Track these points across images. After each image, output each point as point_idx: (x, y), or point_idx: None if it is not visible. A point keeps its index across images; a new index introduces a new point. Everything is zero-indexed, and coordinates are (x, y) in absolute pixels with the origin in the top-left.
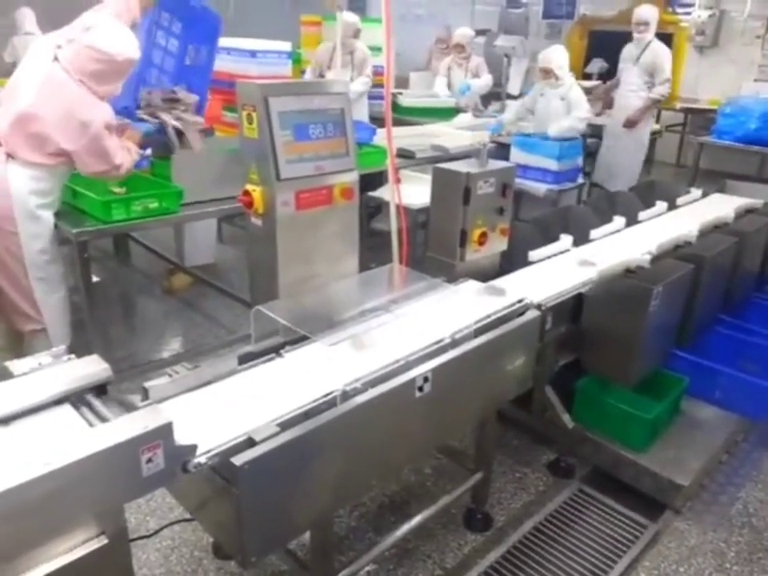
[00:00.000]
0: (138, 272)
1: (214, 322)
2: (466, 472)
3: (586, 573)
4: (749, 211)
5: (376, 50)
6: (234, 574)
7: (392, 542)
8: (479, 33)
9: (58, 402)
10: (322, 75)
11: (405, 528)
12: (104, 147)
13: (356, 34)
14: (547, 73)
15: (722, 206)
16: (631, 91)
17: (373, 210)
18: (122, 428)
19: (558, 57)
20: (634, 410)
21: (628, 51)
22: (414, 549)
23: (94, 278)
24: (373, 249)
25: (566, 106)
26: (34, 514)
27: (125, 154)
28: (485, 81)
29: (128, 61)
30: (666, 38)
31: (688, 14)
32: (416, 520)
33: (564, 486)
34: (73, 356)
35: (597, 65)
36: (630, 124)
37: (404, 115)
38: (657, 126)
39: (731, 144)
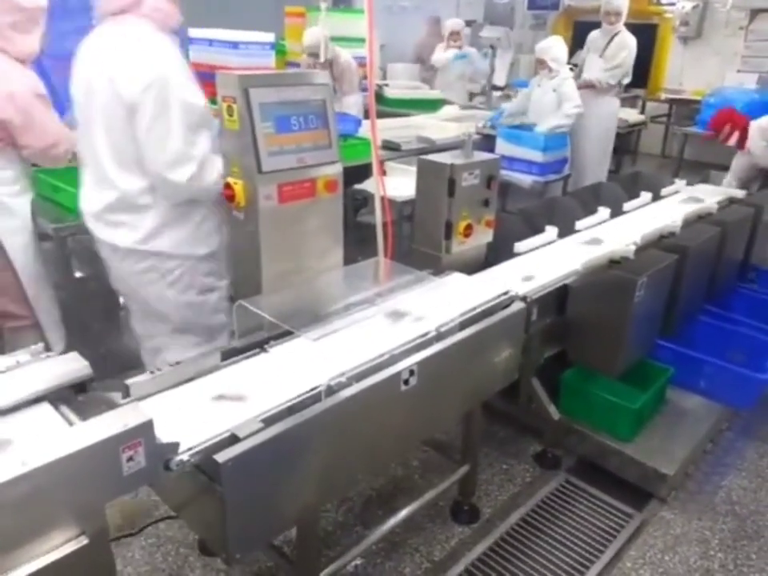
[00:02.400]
0: None
1: None
2: (452, 465)
3: (573, 563)
4: (732, 201)
5: (360, 41)
6: (221, 571)
7: (379, 536)
8: (465, 24)
9: (36, 400)
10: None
11: (392, 522)
12: (37, 120)
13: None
14: (542, 63)
15: (706, 197)
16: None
17: (359, 203)
18: (101, 426)
19: (553, 49)
20: (620, 400)
21: (593, 41)
22: (401, 542)
23: (77, 274)
24: (359, 242)
25: (557, 98)
26: (11, 515)
27: (66, 132)
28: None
29: (38, 9)
30: (650, 29)
31: (672, 4)
32: (403, 513)
33: (550, 477)
34: (52, 353)
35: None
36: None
37: (390, 107)
38: (642, 117)
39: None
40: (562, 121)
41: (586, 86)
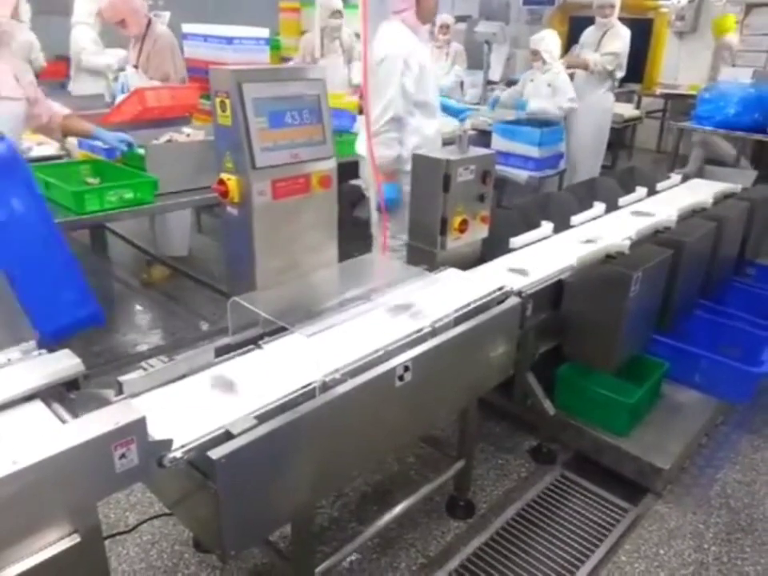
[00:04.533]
0: (116, 264)
1: (194, 314)
2: (448, 460)
3: (569, 557)
4: (727, 196)
5: (354, 36)
6: (216, 567)
7: (375, 532)
8: (460, 19)
9: (28, 398)
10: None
11: (388, 517)
12: None
13: (335, 15)
14: (535, 54)
15: (701, 191)
16: (590, 77)
17: (357, 199)
18: (93, 424)
19: (547, 41)
20: (615, 395)
21: (588, 36)
22: (397, 537)
23: None
24: (356, 238)
25: (552, 93)
26: (2, 513)
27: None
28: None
29: None
30: (645, 23)
31: None
32: (399, 509)
33: (546, 472)
34: (44, 351)
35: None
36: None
37: None
38: (637, 112)
39: (710, 129)
40: (554, 111)
41: (580, 66)
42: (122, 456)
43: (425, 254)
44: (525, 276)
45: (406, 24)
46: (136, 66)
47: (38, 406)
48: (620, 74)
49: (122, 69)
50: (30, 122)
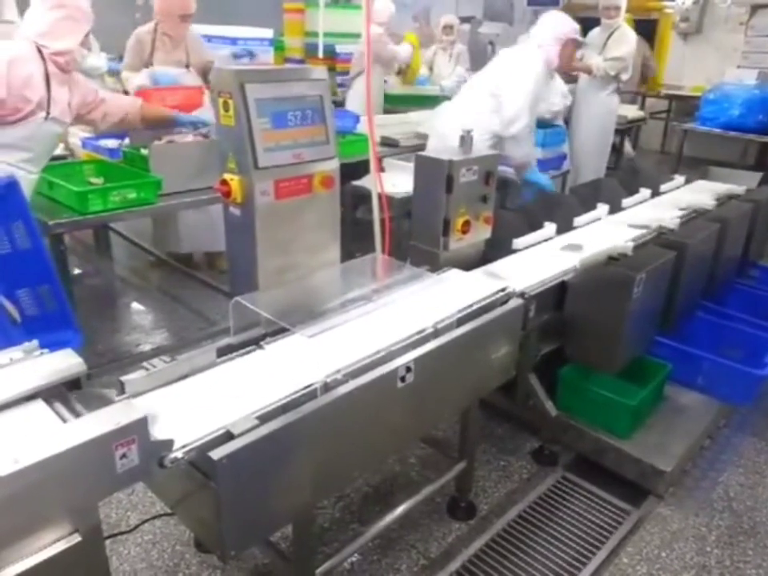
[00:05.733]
0: (120, 264)
1: (197, 314)
2: (450, 461)
3: (570, 559)
4: (731, 198)
5: (356, 36)
6: (217, 568)
7: (376, 533)
8: (464, 20)
9: (29, 397)
10: None
11: (389, 518)
12: None
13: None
14: None
15: (705, 193)
16: (594, 79)
17: (359, 199)
18: (94, 424)
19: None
20: (618, 396)
21: (594, 37)
22: (398, 539)
23: (76, 271)
24: (358, 238)
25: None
26: (3, 513)
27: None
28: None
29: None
30: (650, 24)
31: (672, 0)
32: (400, 510)
33: (548, 474)
34: (46, 350)
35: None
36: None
37: (390, 104)
38: (641, 113)
39: (715, 131)
40: (557, 109)
41: (582, 70)
42: (123, 456)
43: (427, 255)
44: (528, 277)
45: (545, 58)
46: (188, 66)
47: (39, 405)
48: (625, 77)
49: (110, 70)
50: (103, 123)
